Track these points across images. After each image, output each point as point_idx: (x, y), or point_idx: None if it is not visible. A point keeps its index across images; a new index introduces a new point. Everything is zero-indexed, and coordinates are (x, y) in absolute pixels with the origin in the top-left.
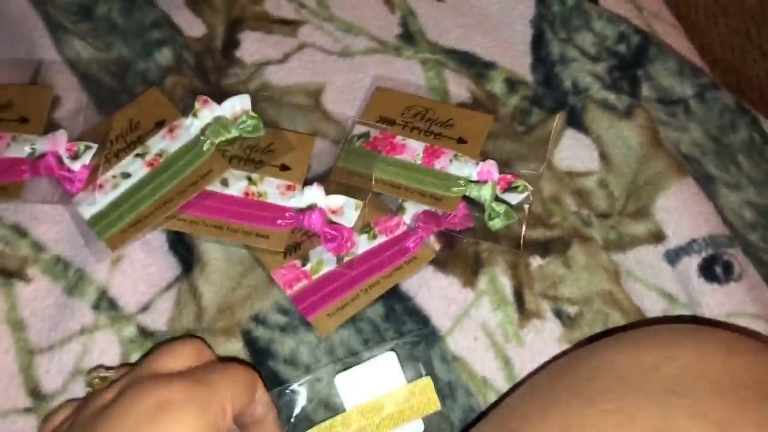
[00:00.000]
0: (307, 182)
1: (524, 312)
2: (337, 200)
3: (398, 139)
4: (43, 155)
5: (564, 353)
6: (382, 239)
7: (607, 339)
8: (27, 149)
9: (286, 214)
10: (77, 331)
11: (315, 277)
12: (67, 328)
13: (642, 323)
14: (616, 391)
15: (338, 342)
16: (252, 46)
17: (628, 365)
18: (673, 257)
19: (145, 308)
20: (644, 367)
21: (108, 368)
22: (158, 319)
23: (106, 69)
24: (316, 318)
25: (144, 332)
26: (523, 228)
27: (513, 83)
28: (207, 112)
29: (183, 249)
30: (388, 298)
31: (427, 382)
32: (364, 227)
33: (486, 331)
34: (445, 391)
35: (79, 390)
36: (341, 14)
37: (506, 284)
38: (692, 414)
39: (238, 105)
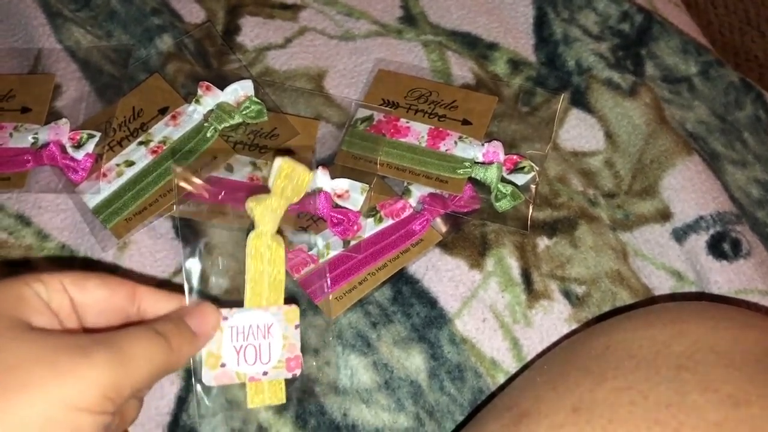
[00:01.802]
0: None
1: (532, 293)
2: (343, 184)
3: (402, 121)
4: (46, 144)
5: (573, 333)
6: (388, 222)
7: (616, 317)
8: (30, 139)
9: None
10: None
11: (322, 261)
12: None
13: (650, 301)
14: (627, 368)
15: (346, 325)
16: (253, 31)
17: (639, 342)
18: (680, 235)
19: None
20: (655, 343)
21: None
22: None
23: (106, 57)
24: (323, 302)
25: None
26: (530, 209)
27: (516, 64)
28: (210, 99)
29: (190, 234)
30: (396, 281)
31: None
32: (370, 211)
33: (494, 313)
34: (454, 373)
35: None
36: None
37: (514, 265)
38: (704, 389)
39: (240, 90)
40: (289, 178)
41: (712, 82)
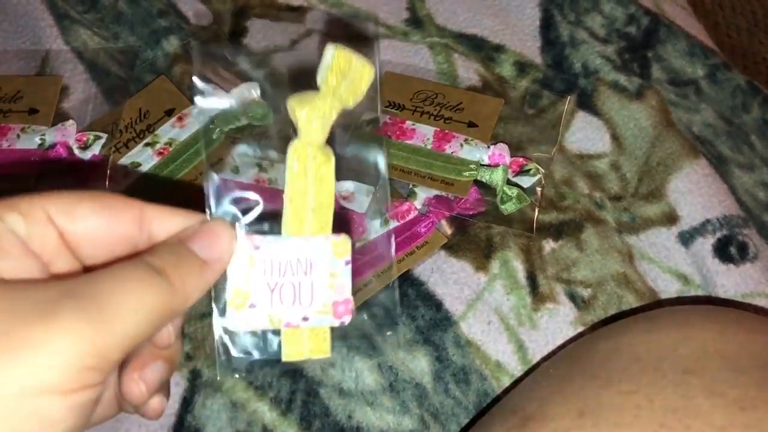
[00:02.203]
0: None
1: (537, 295)
2: (348, 186)
3: (408, 124)
4: (53, 146)
5: (578, 336)
6: (393, 224)
7: (622, 321)
8: (37, 140)
9: None
10: None
11: None
12: None
13: (656, 305)
14: (633, 372)
15: (351, 326)
16: (259, 33)
17: (645, 346)
18: (686, 238)
19: None
20: (661, 347)
21: None
22: None
23: (113, 58)
24: None
25: None
26: (536, 211)
27: (522, 66)
28: (215, 101)
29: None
30: (401, 283)
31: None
32: (376, 213)
33: (499, 315)
34: (459, 376)
35: None
36: (348, 0)
37: (519, 268)
38: (711, 393)
39: (246, 92)
40: (343, 74)
41: (719, 85)
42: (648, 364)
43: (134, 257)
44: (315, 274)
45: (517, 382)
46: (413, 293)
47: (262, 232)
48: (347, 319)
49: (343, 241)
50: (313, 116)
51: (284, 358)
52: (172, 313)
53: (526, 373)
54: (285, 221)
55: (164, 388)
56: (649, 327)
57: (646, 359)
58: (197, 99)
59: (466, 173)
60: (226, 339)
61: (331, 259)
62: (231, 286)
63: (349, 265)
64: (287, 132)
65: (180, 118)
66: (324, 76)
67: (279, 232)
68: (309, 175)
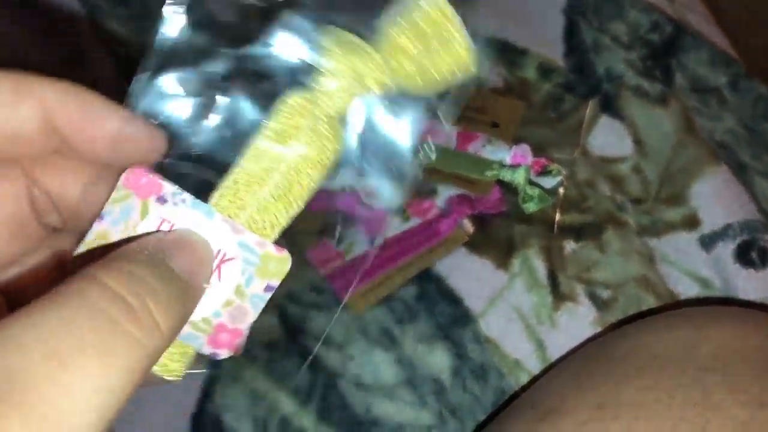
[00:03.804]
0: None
1: (558, 295)
2: (371, 182)
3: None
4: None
5: (597, 336)
6: (415, 221)
7: (642, 320)
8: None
9: (320, 195)
10: None
11: (349, 257)
12: None
13: (675, 306)
14: (653, 368)
15: (371, 321)
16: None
17: (665, 344)
18: (707, 243)
19: None
20: (681, 345)
21: None
22: None
23: (142, 52)
24: (349, 297)
25: None
26: (557, 212)
27: (546, 70)
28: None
29: None
30: (421, 279)
31: None
32: (398, 209)
33: (519, 314)
34: (478, 373)
35: None
36: None
37: (540, 267)
38: (731, 390)
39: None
40: (423, 38)
41: (741, 94)
42: (668, 361)
43: (76, 274)
44: (219, 276)
45: (535, 380)
46: (433, 289)
47: (183, 180)
48: (223, 354)
49: (281, 260)
50: (347, 74)
51: None
52: (148, 370)
53: (544, 371)
54: (221, 190)
55: None
56: (669, 326)
57: (665, 357)
58: None
59: (489, 173)
60: None
61: (250, 273)
62: (95, 230)
63: (269, 294)
64: (284, 68)
65: None
66: (389, 26)
67: (202, 197)
68: (292, 150)
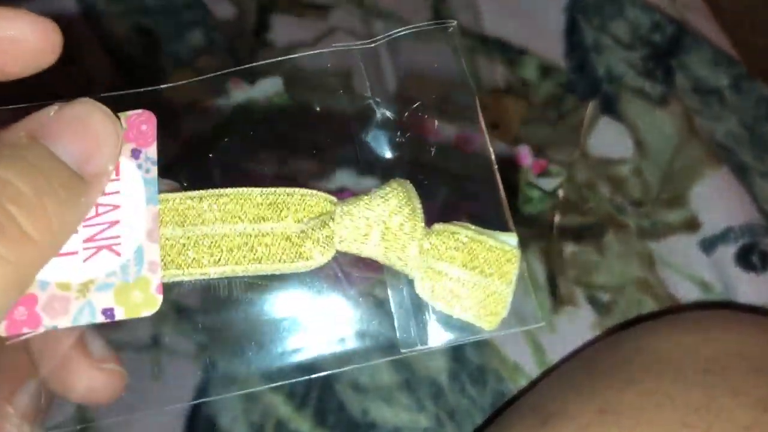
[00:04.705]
0: (337, 164)
1: (557, 298)
2: (368, 183)
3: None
4: None
5: (597, 339)
6: None
7: (643, 323)
8: None
9: None
10: None
11: (343, 259)
12: None
13: (676, 309)
14: (654, 372)
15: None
16: (283, 29)
17: (667, 347)
18: (708, 245)
19: (178, 283)
20: (683, 348)
21: None
22: (192, 295)
23: (139, 50)
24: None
25: (177, 309)
26: (557, 214)
27: (546, 69)
28: (239, 94)
29: None
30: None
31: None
32: None
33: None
34: (476, 376)
35: None
36: None
37: (539, 269)
38: (734, 393)
39: (270, 87)
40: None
41: (743, 95)
42: (670, 364)
43: None
44: (89, 257)
45: (534, 384)
46: None
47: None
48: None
49: (148, 301)
50: (359, 225)
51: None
52: (27, 284)
53: (543, 375)
54: (194, 193)
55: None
56: (671, 329)
57: (667, 360)
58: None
59: None
60: None
61: (112, 282)
62: None
63: (101, 319)
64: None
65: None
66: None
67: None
68: (283, 225)
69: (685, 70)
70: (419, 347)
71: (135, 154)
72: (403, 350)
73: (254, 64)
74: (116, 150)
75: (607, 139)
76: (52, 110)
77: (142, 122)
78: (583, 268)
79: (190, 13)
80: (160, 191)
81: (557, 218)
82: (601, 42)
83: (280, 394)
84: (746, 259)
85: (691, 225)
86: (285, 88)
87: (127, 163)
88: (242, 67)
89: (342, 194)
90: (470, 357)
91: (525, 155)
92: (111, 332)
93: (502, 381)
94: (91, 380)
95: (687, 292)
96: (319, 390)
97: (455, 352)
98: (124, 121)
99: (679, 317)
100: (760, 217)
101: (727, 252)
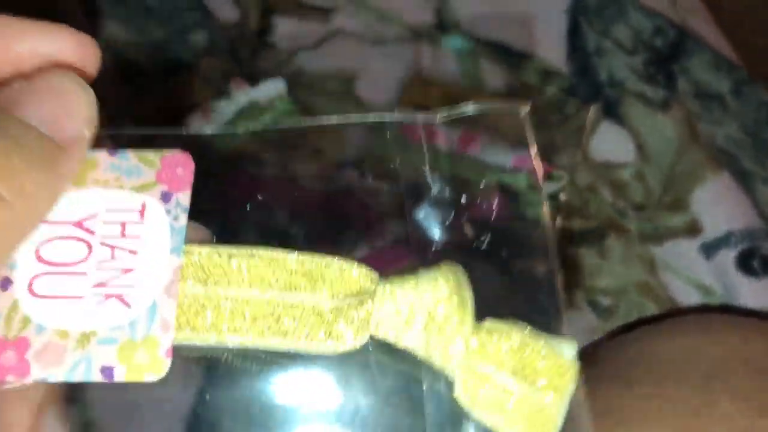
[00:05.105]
0: (340, 167)
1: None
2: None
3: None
4: None
5: (597, 343)
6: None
7: (645, 327)
8: None
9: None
10: None
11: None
12: None
13: (677, 313)
14: (656, 375)
15: None
16: (285, 32)
17: (669, 351)
18: (709, 250)
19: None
20: (685, 352)
21: None
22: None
23: (141, 52)
24: None
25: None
26: (558, 217)
27: (548, 73)
28: (242, 96)
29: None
30: None
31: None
32: (395, 214)
33: (519, 319)
34: None
35: None
36: (375, 2)
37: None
38: (734, 398)
39: (273, 89)
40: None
41: (744, 100)
42: (671, 368)
43: None
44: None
45: None
46: None
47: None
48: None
49: (154, 364)
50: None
51: None
52: (2, 253)
53: None
54: (226, 248)
55: None
56: (673, 332)
57: (669, 363)
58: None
59: (489, 177)
60: None
61: (117, 337)
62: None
63: (99, 378)
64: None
65: (204, 113)
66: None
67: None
68: (315, 298)
69: (686, 74)
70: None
71: (165, 197)
72: None
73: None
74: (91, 114)
75: (609, 143)
76: (16, 83)
77: (179, 164)
78: (585, 271)
79: (192, 15)
80: (187, 239)
81: (559, 222)
82: (603, 46)
83: None
84: (747, 263)
85: (692, 229)
86: (288, 91)
87: (154, 207)
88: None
89: (391, 250)
90: None
91: (526, 159)
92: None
93: None
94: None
95: (688, 296)
96: None
97: None
98: (159, 160)
99: (681, 320)
100: (761, 222)
101: (728, 256)
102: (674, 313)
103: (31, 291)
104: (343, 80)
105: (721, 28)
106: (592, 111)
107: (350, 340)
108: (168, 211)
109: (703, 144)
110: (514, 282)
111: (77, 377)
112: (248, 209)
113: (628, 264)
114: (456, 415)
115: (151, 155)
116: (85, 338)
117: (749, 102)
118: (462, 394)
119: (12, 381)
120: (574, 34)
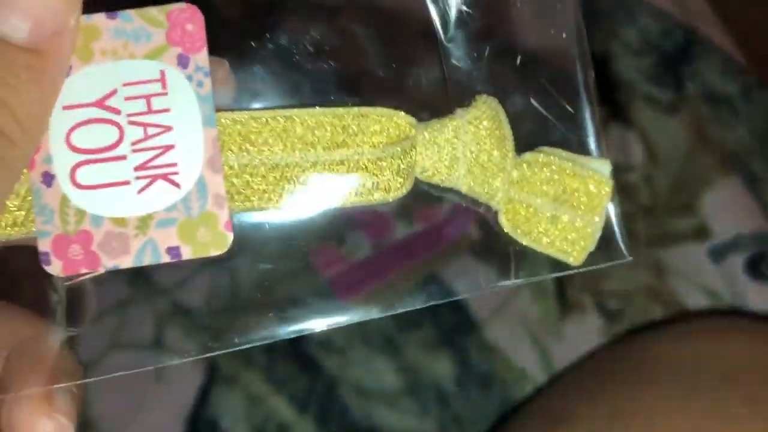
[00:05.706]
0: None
1: (565, 305)
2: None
3: None
4: None
5: (604, 346)
6: (420, 226)
7: (654, 330)
8: None
9: None
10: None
11: (351, 261)
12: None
13: (684, 317)
14: (667, 378)
15: (373, 326)
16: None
17: (679, 354)
18: (717, 254)
19: (180, 284)
20: (696, 355)
21: None
22: (194, 295)
23: None
24: (351, 302)
25: (179, 308)
26: None
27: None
28: None
29: None
30: (426, 285)
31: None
32: (403, 212)
33: (525, 323)
34: (482, 381)
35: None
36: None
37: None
38: (746, 401)
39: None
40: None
41: (754, 103)
42: (682, 371)
43: None
44: (144, 188)
45: (540, 390)
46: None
47: None
48: (51, 269)
49: (218, 238)
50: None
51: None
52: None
53: (550, 381)
54: (265, 113)
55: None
56: (683, 336)
57: (679, 366)
58: None
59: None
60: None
61: (174, 218)
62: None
63: (168, 259)
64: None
65: None
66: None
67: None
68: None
69: (695, 77)
70: (503, 282)
71: (182, 61)
72: (485, 286)
73: None
74: (78, 13)
75: (617, 147)
76: None
77: (187, 20)
78: (592, 274)
79: None
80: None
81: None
82: (611, 48)
83: (283, 396)
84: (755, 268)
85: (701, 233)
86: None
87: (174, 74)
88: None
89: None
90: (476, 362)
91: None
92: (112, 332)
93: (508, 387)
94: (40, 426)
95: (695, 301)
96: (322, 394)
97: (461, 357)
98: (164, 18)
99: (693, 324)
100: None
101: (736, 261)
102: (682, 318)
103: (75, 183)
104: None
105: (730, 32)
106: (600, 114)
107: (397, 188)
108: (189, 77)
109: (712, 148)
110: (549, 108)
111: (146, 261)
112: (267, 36)
113: (635, 268)
114: (503, 242)
115: (155, 12)
116: (143, 223)
117: (758, 106)
118: (506, 223)
119: (86, 272)
120: (581, 36)
